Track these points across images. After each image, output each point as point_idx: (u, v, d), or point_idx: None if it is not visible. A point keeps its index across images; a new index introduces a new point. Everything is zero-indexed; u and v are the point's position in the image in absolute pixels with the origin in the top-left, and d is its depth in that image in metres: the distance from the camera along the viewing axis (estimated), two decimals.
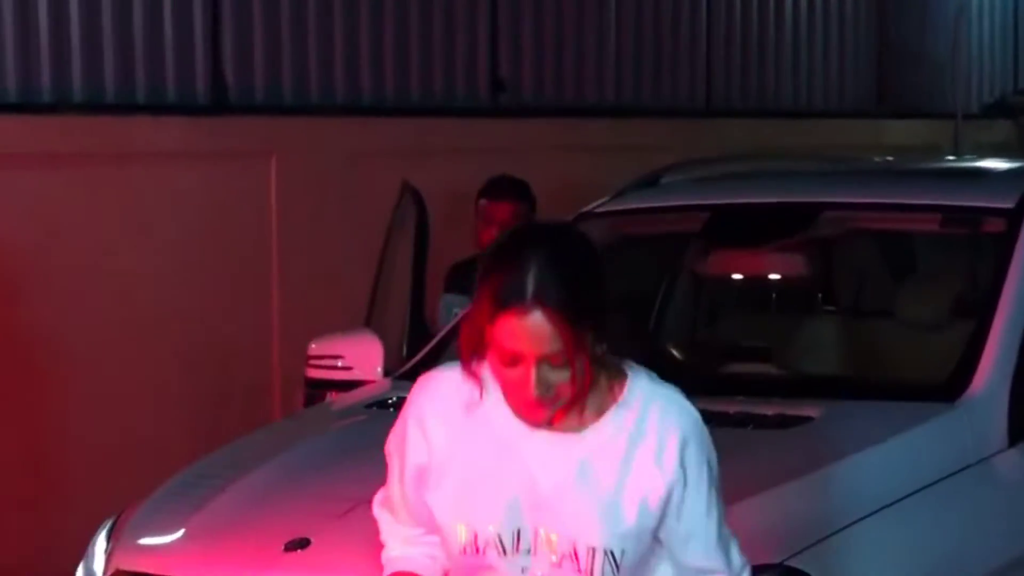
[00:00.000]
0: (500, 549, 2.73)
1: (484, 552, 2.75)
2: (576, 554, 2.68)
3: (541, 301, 2.55)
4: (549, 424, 2.71)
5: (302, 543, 3.67)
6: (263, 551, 3.73)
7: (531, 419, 2.70)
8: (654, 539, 2.73)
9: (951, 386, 4.31)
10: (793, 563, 3.50)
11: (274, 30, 8.31)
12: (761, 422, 4.12)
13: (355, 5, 8.28)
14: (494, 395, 2.77)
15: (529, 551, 2.72)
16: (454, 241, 6.54)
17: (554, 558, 2.70)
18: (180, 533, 4.01)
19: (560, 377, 2.60)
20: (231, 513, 4.02)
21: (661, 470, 2.68)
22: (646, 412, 2.71)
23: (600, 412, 2.72)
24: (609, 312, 2.71)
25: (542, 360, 2.59)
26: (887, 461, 4.02)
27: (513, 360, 2.62)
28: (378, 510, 3.05)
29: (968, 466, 4.12)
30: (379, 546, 3.32)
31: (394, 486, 2.92)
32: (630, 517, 2.67)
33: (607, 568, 2.66)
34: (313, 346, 5.32)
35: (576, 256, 2.69)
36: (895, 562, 3.83)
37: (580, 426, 2.73)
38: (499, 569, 2.75)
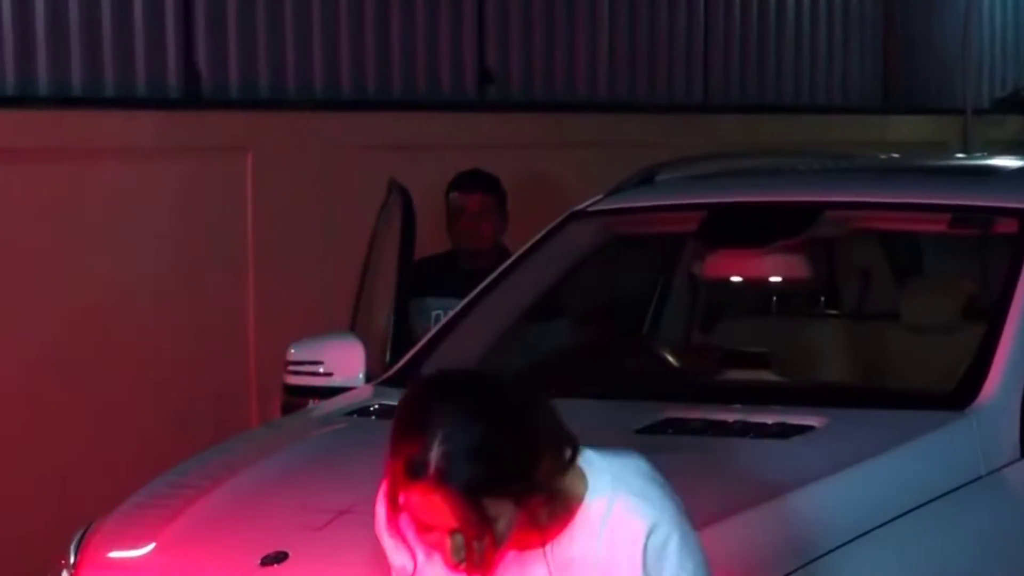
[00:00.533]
0: None
1: None
2: None
3: (444, 481, 2.49)
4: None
5: (279, 557, 3.60)
6: (238, 566, 3.66)
7: None
8: None
9: (960, 394, 4.24)
10: None
11: (250, 21, 8.12)
12: (761, 431, 4.06)
13: None
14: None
15: None
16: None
17: None
18: (151, 547, 3.93)
19: (478, 546, 2.57)
20: (205, 525, 3.95)
21: None
22: (615, 520, 2.67)
23: (561, 526, 2.70)
24: (544, 452, 2.61)
25: (455, 532, 2.56)
26: (893, 472, 3.94)
27: (427, 528, 2.59)
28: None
29: (979, 477, 4.04)
30: (359, 561, 3.33)
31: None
32: None
33: None
34: (292, 351, 5.26)
35: (488, 417, 2.60)
36: None
37: (541, 544, 2.71)
38: None
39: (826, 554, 3.57)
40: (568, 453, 2.66)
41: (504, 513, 2.57)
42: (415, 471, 2.53)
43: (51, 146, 7.26)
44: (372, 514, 3.13)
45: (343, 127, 8.40)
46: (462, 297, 5.31)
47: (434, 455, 2.50)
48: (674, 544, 2.68)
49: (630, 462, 2.75)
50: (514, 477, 2.59)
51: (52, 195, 7.30)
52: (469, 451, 2.55)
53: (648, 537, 2.66)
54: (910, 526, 3.79)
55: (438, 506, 2.55)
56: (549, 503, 2.66)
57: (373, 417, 4.69)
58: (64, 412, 6.88)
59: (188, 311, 7.60)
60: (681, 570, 2.67)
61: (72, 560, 4.08)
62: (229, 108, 7.99)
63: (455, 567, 2.64)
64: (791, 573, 3.44)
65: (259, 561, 3.59)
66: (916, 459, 4.04)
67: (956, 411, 4.15)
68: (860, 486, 3.85)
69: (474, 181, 6.12)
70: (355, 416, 4.74)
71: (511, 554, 2.72)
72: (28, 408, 7.09)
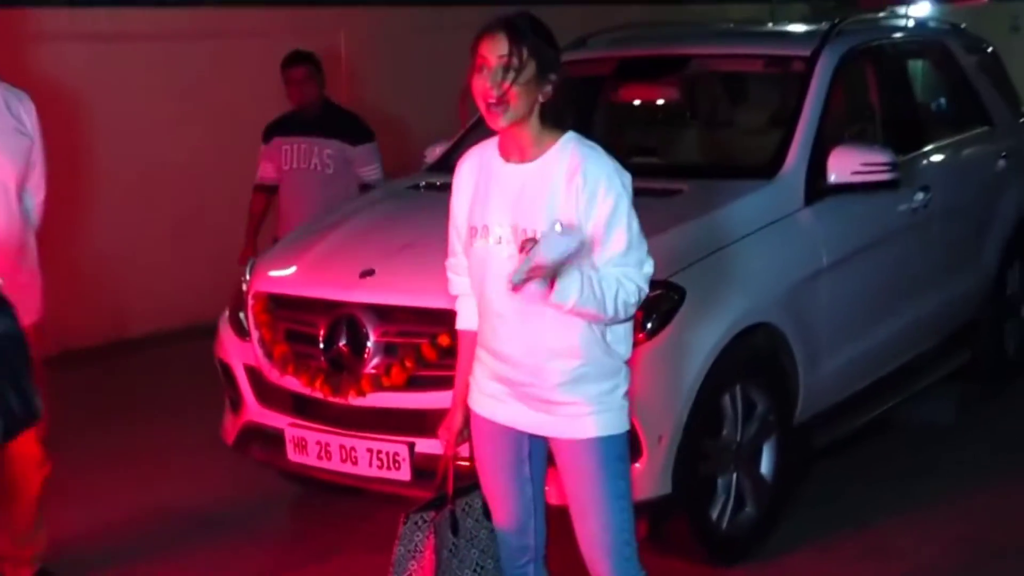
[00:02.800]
0: (487, 238, 3.30)
1: (479, 239, 3.32)
2: (521, 234, 3.19)
3: (503, 25, 3.18)
4: (515, 160, 3.27)
5: (370, 272, 4.69)
6: (347, 277, 4.75)
7: (491, 124, 3.22)
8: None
9: (770, 168, 5.33)
10: (672, 280, 4.48)
11: None
12: (650, 193, 4.72)
13: None
14: (492, 151, 3.37)
15: (501, 239, 3.27)
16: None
17: (513, 242, 3.23)
18: (293, 268, 5.04)
19: (507, 77, 3.14)
20: (324, 255, 5.05)
21: (575, 188, 3.16)
22: (572, 154, 3.22)
23: (541, 153, 3.25)
24: (553, 72, 3.22)
25: (497, 63, 3.15)
26: (730, 216, 4.97)
27: (481, 67, 3.18)
28: (449, 277, 3.58)
29: (781, 217, 5.17)
30: (419, 275, 4.35)
31: (452, 238, 3.49)
32: (555, 216, 3.14)
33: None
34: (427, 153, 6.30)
35: (535, 23, 3.25)
36: (734, 275, 4.78)
37: (527, 161, 3.27)
38: (490, 253, 3.31)
39: (689, 266, 4.60)
40: (567, 94, 3.25)
41: (529, 68, 3.16)
42: (497, 23, 3.19)
43: (214, 31, 8.91)
44: (422, 248, 4.35)
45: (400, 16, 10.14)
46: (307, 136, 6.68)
47: (503, 18, 3.19)
48: (624, 205, 3.19)
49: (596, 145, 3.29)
50: (545, 55, 3.19)
51: (220, 68, 8.94)
52: (522, 22, 3.21)
53: (595, 175, 3.17)
54: (742, 247, 4.89)
55: (499, 41, 3.16)
56: (546, 108, 3.21)
57: (421, 190, 5.72)
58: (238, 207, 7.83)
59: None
60: (630, 221, 3.18)
61: (247, 275, 5.26)
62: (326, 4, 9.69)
63: (487, 92, 3.17)
64: (669, 277, 4.43)
65: (359, 274, 4.71)
66: (746, 205, 5.09)
67: (768, 179, 5.28)
68: (711, 225, 4.88)
69: (297, 58, 6.86)
70: (410, 189, 5.82)
71: (511, 167, 3.28)
72: (193, 203, 8.80)
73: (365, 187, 6.75)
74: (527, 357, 3.26)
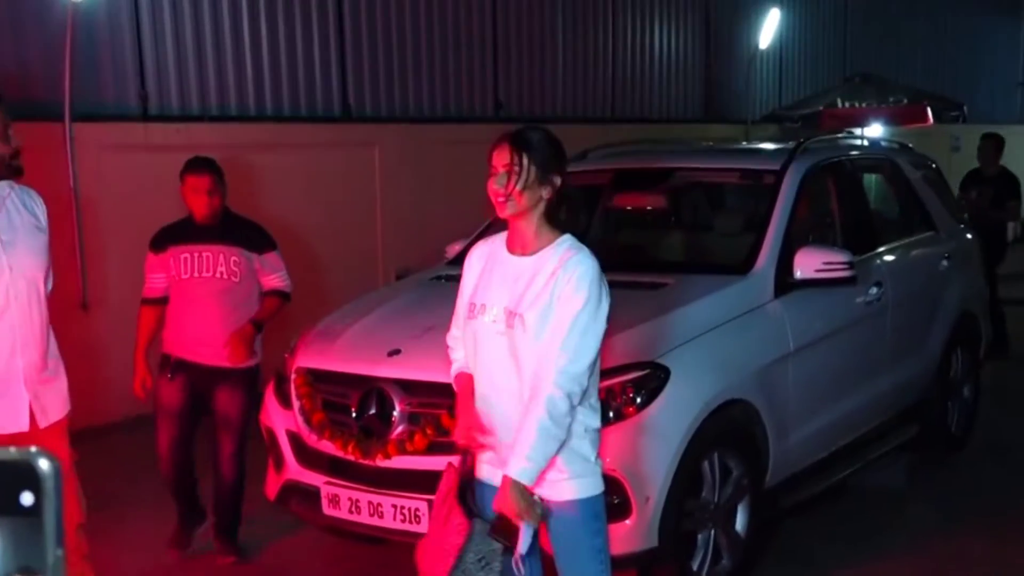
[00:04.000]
0: (483, 315, 3.34)
1: (477, 316, 3.35)
2: (511, 315, 3.27)
3: (508, 138, 3.29)
4: (518, 252, 3.33)
5: (397, 351, 4.75)
6: (376, 354, 4.82)
7: (499, 214, 3.29)
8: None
9: (744, 266, 5.36)
10: (659, 361, 4.50)
11: (388, 61, 10.31)
12: (640, 287, 5.05)
13: None
14: (500, 243, 3.43)
15: (495, 319, 3.31)
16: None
17: (506, 320, 3.27)
18: (330, 346, 5.07)
19: (511, 180, 3.23)
20: (358, 335, 5.08)
21: (555, 280, 3.21)
22: (564, 252, 3.27)
23: (540, 248, 3.30)
24: (554, 174, 3.27)
25: (503, 169, 3.26)
26: (711, 305, 5.01)
27: (493, 171, 3.28)
28: (448, 342, 3.63)
29: (753, 309, 5.19)
30: (439, 355, 3.95)
31: (457, 314, 3.51)
32: (538, 302, 3.21)
33: (519, 323, 3.23)
34: (448, 248, 6.31)
35: (545, 137, 3.33)
36: (713, 357, 4.78)
37: (527, 254, 3.32)
38: (485, 328, 3.34)
39: (673, 349, 4.62)
40: (565, 206, 3.30)
41: (530, 173, 3.23)
42: (504, 136, 3.29)
43: (271, 144, 8.95)
44: (442, 331, 3.91)
45: (425, 132, 10.33)
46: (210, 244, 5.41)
47: (515, 131, 3.27)
48: (590, 309, 3.17)
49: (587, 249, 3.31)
50: (546, 161, 3.26)
51: (273, 174, 8.97)
52: (531, 137, 3.28)
53: (577, 276, 3.17)
54: (720, 333, 4.89)
55: (504, 151, 3.26)
56: (549, 207, 3.26)
57: (442, 281, 5.67)
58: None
59: (348, 234, 9.49)
60: (588, 325, 3.16)
61: (291, 353, 5.26)
62: (365, 121, 9.80)
63: (496, 193, 3.24)
64: (655, 358, 4.48)
65: (386, 353, 4.76)
66: (723, 298, 5.10)
67: (743, 275, 5.29)
68: (693, 313, 4.90)
69: (203, 164, 5.58)
70: (432, 280, 5.80)
71: (515, 258, 3.31)
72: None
73: (271, 295, 5.68)
74: (513, 425, 3.27)
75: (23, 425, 3.79)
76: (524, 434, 3.16)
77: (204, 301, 5.44)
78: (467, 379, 3.49)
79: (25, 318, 3.81)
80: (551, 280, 3.19)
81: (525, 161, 3.23)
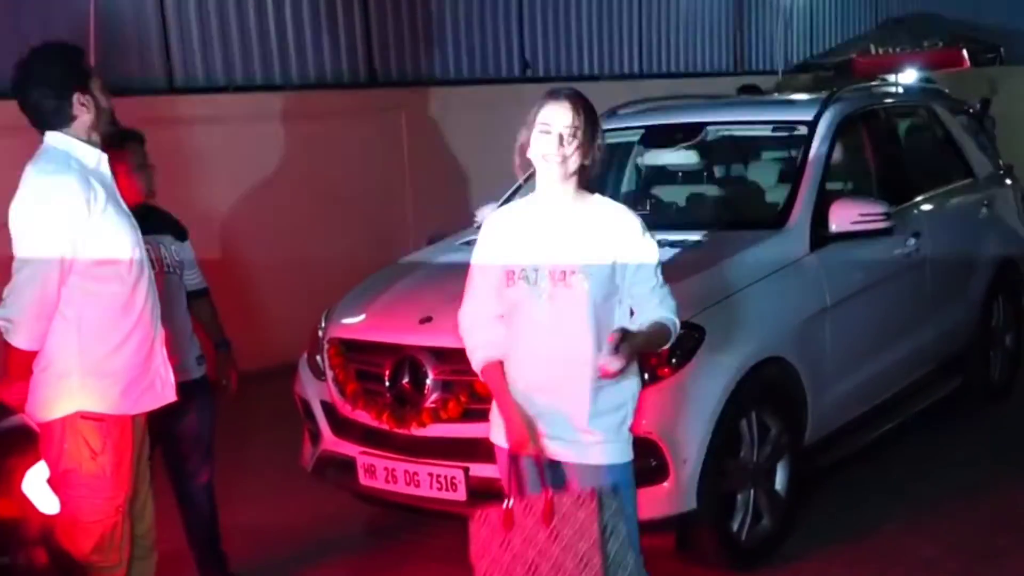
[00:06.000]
0: (525, 279, 3.30)
1: (518, 281, 3.31)
2: (565, 276, 3.26)
3: (568, 96, 3.25)
4: (553, 213, 3.30)
5: (428, 319, 4.71)
6: (408, 323, 4.80)
7: (546, 178, 3.26)
8: (611, 280, 3.26)
9: (779, 220, 5.33)
10: (693, 320, 4.42)
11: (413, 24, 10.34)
12: (673, 244, 4.98)
13: None
14: (525, 208, 3.40)
15: (538, 281, 3.29)
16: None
17: (553, 280, 3.26)
18: (363, 316, 5.09)
19: (570, 141, 3.21)
20: (389, 304, 5.10)
21: (609, 237, 3.26)
22: (605, 208, 3.34)
23: (578, 208, 3.33)
24: (598, 140, 3.28)
25: (562, 129, 3.21)
26: (745, 262, 4.99)
27: (546, 131, 3.22)
28: (461, 330, 3.49)
29: (789, 263, 5.16)
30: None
31: (478, 285, 3.45)
32: (592, 258, 3.24)
33: (583, 283, 3.23)
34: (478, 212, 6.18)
35: (589, 101, 3.32)
36: (748, 315, 4.78)
37: (564, 214, 3.33)
38: (526, 290, 3.30)
39: (709, 307, 4.62)
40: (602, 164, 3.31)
41: (585, 135, 3.22)
42: (562, 94, 3.25)
43: (297, 112, 9.00)
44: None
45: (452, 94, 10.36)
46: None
47: (575, 92, 3.25)
48: (655, 246, 3.31)
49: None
50: (596, 127, 3.24)
51: (301, 142, 8.99)
52: (588, 102, 3.25)
53: (625, 227, 3.24)
54: (756, 289, 4.89)
55: (564, 110, 3.22)
56: (588, 169, 3.25)
57: (469, 244, 5.15)
58: (320, 255, 8.45)
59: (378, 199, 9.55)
60: (646, 257, 3.26)
61: (323, 324, 5.27)
62: (391, 86, 9.87)
63: (551, 153, 3.20)
64: (691, 318, 4.35)
65: (419, 320, 4.73)
66: (759, 252, 5.08)
67: (778, 229, 5.26)
68: (728, 270, 4.89)
69: (134, 138, 4.69)
70: (463, 245, 5.62)
71: (551, 213, 3.30)
72: (302, 255, 8.78)
73: (193, 295, 4.86)
74: (565, 391, 3.27)
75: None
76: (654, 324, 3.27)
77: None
78: (497, 370, 3.41)
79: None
80: (605, 235, 3.22)
81: (585, 122, 3.22)
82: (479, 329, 3.42)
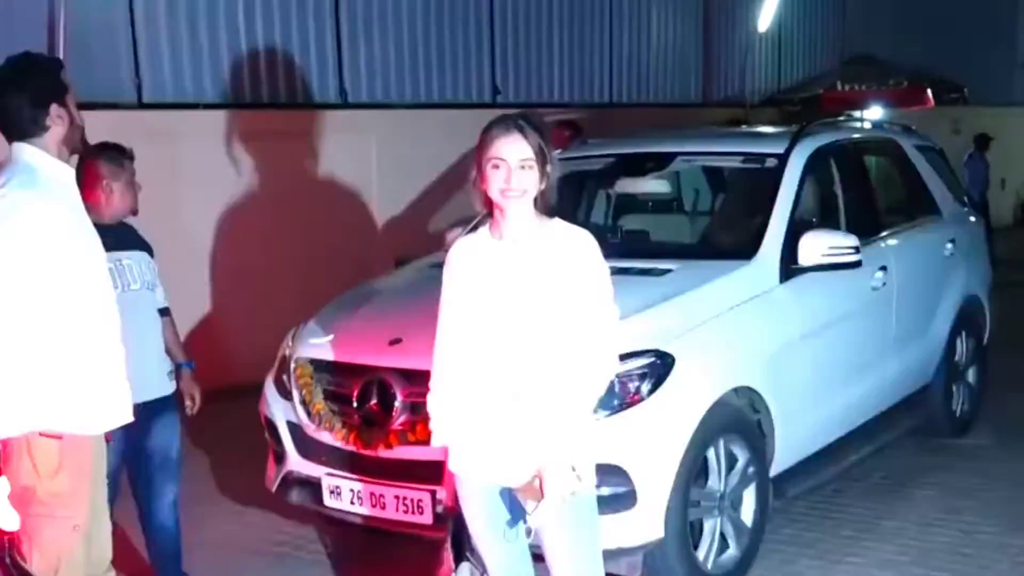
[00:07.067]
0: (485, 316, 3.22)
1: (481, 322, 3.22)
2: (526, 310, 3.16)
3: (519, 129, 3.12)
4: (509, 242, 3.21)
5: (398, 340, 4.68)
6: (377, 344, 4.76)
7: (504, 211, 3.16)
8: (571, 314, 3.15)
9: (749, 251, 5.30)
10: (663, 348, 4.46)
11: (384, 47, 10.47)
12: (644, 272, 5.01)
13: None
14: (483, 238, 3.27)
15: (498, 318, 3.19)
16: None
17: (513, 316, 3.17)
18: (331, 336, 5.02)
19: (525, 174, 3.12)
20: (358, 325, 5.06)
21: (566, 264, 3.16)
22: (565, 234, 3.20)
23: (536, 235, 3.20)
24: (551, 165, 3.17)
25: (516, 163, 3.11)
26: (716, 291, 4.97)
27: (498, 165, 3.11)
28: (431, 396, 3.38)
29: (760, 294, 5.16)
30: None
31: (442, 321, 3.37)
32: (552, 302, 3.14)
33: (536, 314, 3.15)
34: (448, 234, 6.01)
35: (540, 122, 3.22)
36: (718, 344, 4.76)
37: (528, 242, 3.20)
38: (489, 329, 3.22)
39: (680, 336, 4.59)
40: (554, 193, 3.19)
41: (538, 166, 3.12)
42: (512, 126, 3.12)
43: (266, 130, 9.01)
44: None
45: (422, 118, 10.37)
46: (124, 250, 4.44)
47: (525, 122, 3.13)
48: (608, 277, 3.19)
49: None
50: (547, 153, 3.14)
51: (271, 161, 9.02)
52: (540, 128, 3.15)
53: (582, 254, 3.15)
54: (728, 317, 4.88)
55: (516, 144, 3.10)
56: (543, 194, 3.15)
57: (437, 269, 5.26)
58: (286, 275, 8.47)
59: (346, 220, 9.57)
60: (606, 288, 3.17)
61: (289, 343, 5.23)
62: (361, 107, 9.90)
63: (510, 188, 3.10)
64: (659, 346, 4.41)
65: (388, 343, 4.69)
66: (729, 282, 5.07)
67: (747, 260, 5.24)
68: (697, 299, 4.86)
69: (125, 153, 4.58)
70: (433, 267, 5.31)
71: (506, 245, 3.19)
72: (268, 274, 8.81)
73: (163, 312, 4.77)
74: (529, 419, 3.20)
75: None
76: (579, 409, 3.16)
77: (138, 318, 4.37)
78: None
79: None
80: (564, 261, 3.13)
81: (535, 154, 3.12)
82: (448, 409, 3.32)
